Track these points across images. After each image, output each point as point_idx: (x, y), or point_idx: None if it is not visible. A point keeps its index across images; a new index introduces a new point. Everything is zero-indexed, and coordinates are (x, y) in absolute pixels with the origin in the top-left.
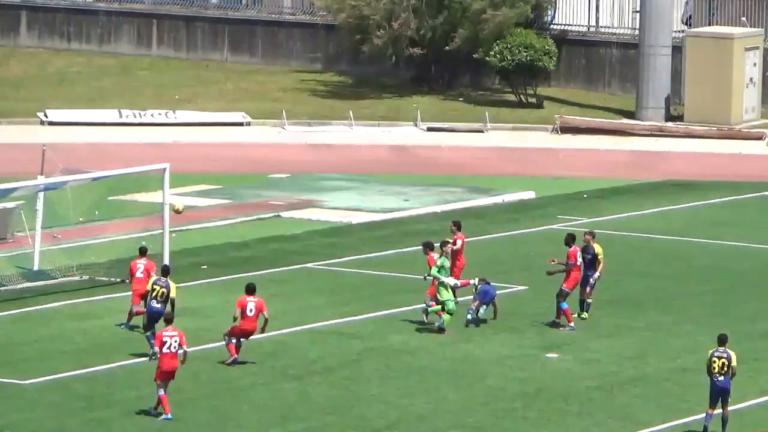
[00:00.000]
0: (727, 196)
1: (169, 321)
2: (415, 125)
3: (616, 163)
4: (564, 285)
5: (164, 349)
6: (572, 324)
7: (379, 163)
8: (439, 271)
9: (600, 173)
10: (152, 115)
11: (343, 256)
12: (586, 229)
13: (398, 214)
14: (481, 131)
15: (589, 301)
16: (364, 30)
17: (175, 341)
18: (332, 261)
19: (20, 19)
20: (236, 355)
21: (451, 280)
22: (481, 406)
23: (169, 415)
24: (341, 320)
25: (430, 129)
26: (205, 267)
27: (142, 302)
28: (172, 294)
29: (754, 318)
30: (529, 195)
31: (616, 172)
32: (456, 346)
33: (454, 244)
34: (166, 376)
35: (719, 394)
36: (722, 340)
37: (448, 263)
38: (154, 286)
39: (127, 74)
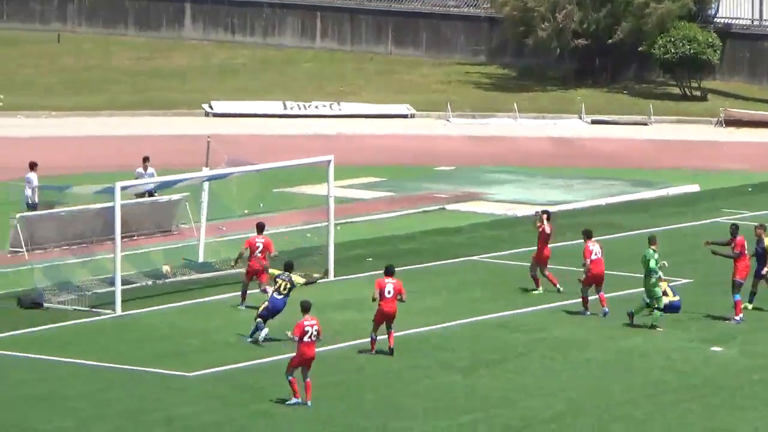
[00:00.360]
0: None
1: (306, 309)
2: (579, 118)
3: None
4: (737, 276)
5: (305, 338)
6: (739, 317)
7: (544, 155)
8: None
9: (765, 167)
10: (316, 107)
11: (508, 249)
12: (756, 223)
13: (562, 206)
14: (645, 124)
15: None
16: (528, 22)
17: (315, 330)
18: (496, 253)
19: (185, 12)
20: (373, 351)
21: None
22: (646, 398)
23: (299, 399)
24: (506, 313)
25: (594, 122)
26: (370, 259)
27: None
28: (298, 282)
29: None
30: (694, 188)
31: None
32: (622, 339)
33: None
34: (304, 363)
35: None
36: None
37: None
38: (278, 280)
39: (291, 66)
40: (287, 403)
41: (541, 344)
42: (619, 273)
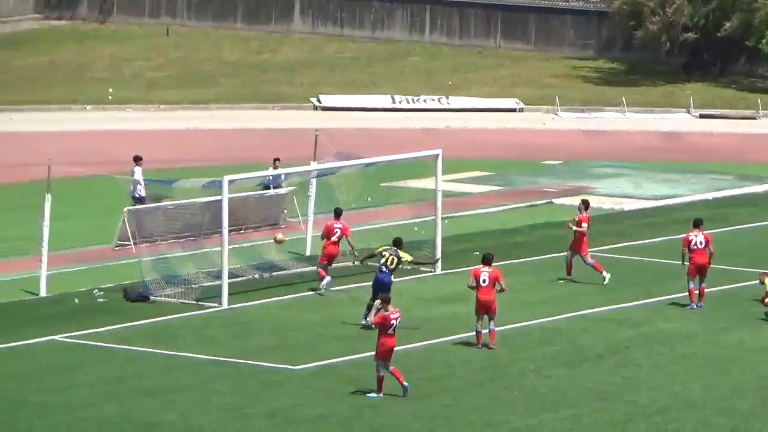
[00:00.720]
0: None
1: (387, 301)
2: (688, 112)
3: None
4: None
5: (389, 331)
6: None
7: (651, 149)
8: None
9: None
10: (425, 101)
11: (615, 243)
12: None
13: (669, 201)
14: (754, 118)
15: None
16: (637, 16)
17: (397, 322)
18: (604, 247)
19: (294, 5)
20: (479, 344)
21: None
22: (752, 393)
23: (380, 395)
24: (611, 307)
25: (702, 116)
26: (477, 253)
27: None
28: (405, 258)
29: None
30: None
31: None
32: (728, 333)
33: (579, 225)
34: (387, 355)
35: None
36: None
37: None
38: (385, 254)
39: (399, 60)
40: (368, 396)
41: (647, 338)
42: (724, 267)
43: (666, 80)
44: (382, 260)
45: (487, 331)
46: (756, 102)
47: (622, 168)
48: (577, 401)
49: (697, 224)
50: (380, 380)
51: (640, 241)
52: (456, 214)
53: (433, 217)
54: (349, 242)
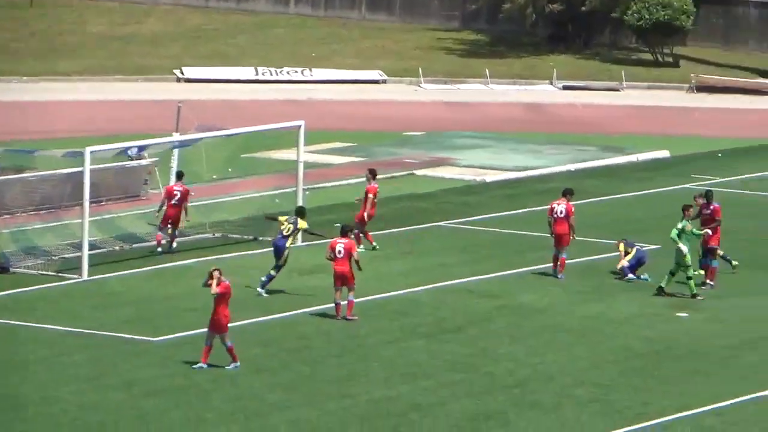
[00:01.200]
0: None
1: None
2: (551, 84)
3: (753, 123)
4: (713, 242)
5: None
6: (712, 283)
7: (514, 121)
8: (679, 236)
9: (735, 133)
10: (288, 73)
11: (476, 215)
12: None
13: (531, 172)
14: (617, 90)
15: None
16: None
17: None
18: (465, 219)
19: None
20: (339, 316)
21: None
22: (610, 364)
23: (237, 363)
24: (472, 278)
25: (565, 87)
26: (339, 225)
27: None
28: (302, 227)
29: None
30: (664, 154)
31: (752, 131)
32: (586, 305)
33: (366, 196)
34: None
35: None
36: None
37: (689, 227)
38: (284, 222)
39: (264, 32)
40: (227, 367)
41: (506, 310)
42: (586, 239)
43: (530, 52)
44: (281, 227)
45: (345, 302)
46: (620, 74)
47: (485, 139)
48: (435, 373)
49: (565, 193)
50: (230, 350)
51: (502, 213)
52: (317, 186)
53: (295, 189)
54: (185, 208)
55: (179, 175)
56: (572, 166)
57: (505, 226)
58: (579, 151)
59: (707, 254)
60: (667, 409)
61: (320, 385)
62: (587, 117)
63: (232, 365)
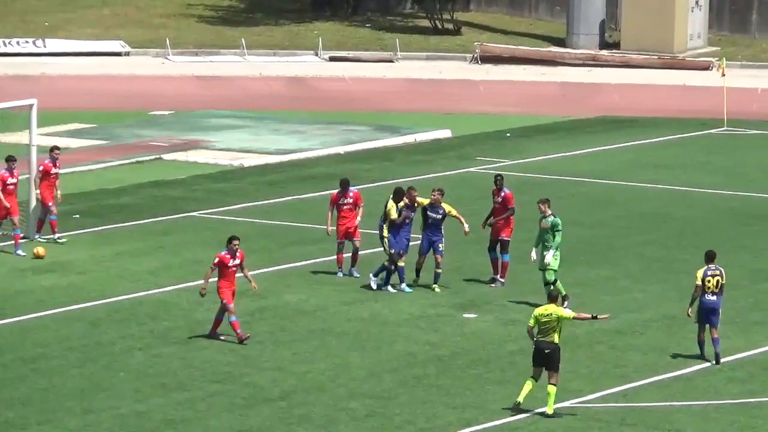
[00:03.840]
0: (670, 134)
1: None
2: (316, 54)
3: (544, 97)
4: (505, 234)
5: None
6: (504, 279)
7: (275, 97)
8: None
9: (525, 108)
10: (18, 44)
11: (233, 204)
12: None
13: (295, 155)
14: (391, 61)
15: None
16: None
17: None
18: (220, 209)
19: None
20: None
21: None
22: (388, 373)
23: None
24: None
25: (332, 59)
26: (77, 216)
27: None
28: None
29: None
30: (445, 134)
31: (544, 107)
32: (361, 305)
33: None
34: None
35: (710, 314)
36: (711, 257)
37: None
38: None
39: None
40: None
41: (269, 312)
42: (368, 231)
43: (292, 20)
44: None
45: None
46: (394, 43)
47: (242, 118)
48: (191, 383)
49: (342, 184)
50: None
51: (263, 201)
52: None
53: (27, 176)
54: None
55: (10, 159)
56: (342, 149)
57: (266, 216)
58: (349, 132)
59: (500, 247)
60: (452, 425)
61: (60, 399)
62: (358, 92)
63: None
